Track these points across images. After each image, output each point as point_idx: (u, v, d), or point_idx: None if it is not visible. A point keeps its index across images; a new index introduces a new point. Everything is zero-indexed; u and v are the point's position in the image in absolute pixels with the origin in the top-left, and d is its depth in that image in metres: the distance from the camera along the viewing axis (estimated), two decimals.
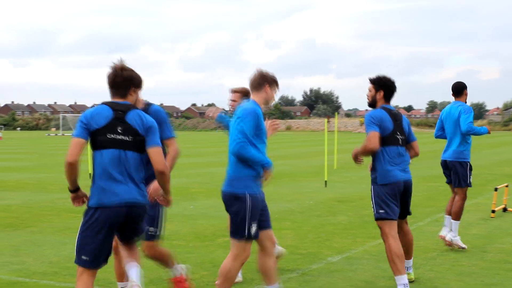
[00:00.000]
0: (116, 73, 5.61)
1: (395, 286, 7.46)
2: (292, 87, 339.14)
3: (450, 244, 9.46)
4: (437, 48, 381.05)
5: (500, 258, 8.90)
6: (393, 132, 7.23)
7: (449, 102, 10.95)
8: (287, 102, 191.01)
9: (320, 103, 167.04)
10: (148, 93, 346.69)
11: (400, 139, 7.29)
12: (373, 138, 7.10)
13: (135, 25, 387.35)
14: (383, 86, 7.47)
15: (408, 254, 7.56)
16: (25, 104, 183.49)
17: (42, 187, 18.61)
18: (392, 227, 7.13)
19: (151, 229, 6.72)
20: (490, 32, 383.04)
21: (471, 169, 9.64)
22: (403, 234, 7.48)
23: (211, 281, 7.75)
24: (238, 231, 6.25)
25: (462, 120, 9.40)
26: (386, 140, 7.19)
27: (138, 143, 5.53)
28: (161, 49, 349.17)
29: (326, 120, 22.91)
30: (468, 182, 9.58)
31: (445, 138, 9.81)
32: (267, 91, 6.51)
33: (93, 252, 5.45)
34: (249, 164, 6.21)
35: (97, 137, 5.45)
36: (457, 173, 9.56)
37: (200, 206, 14.36)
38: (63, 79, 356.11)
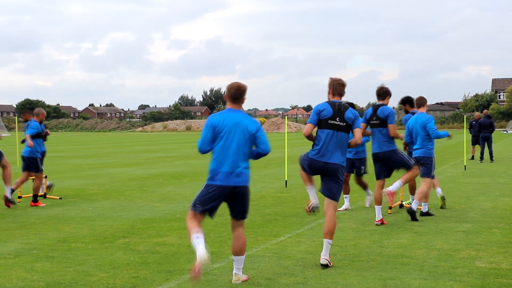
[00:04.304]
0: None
1: (296, 283, 7.52)
2: (195, 87, 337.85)
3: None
4: (340, 50, 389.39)
5: (397, 252, 9.12)
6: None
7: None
8: (188, 102, 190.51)
9: (220, 103, 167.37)
10: (45, 94, 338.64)
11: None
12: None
13: (36, 23, 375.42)
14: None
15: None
16: None
17: None
18: None
19: None
20: (391, 34, 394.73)
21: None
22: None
23: (110, 283, 7.55)
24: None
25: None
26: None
27: None
28: (63, 48, 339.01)
29: None
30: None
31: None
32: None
33: None
34: None
35: None
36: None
37: (99, 208, 14.04)
38: None
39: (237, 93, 7.44)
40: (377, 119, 11.50)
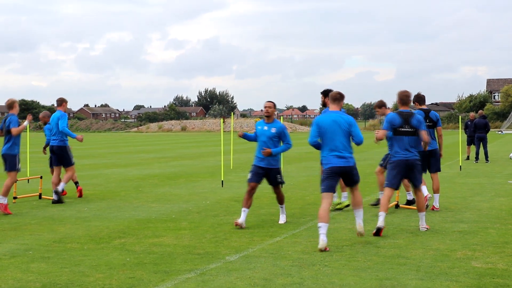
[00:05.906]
0: None
1: (293, 283, 7.52)
2: (191, 87, 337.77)
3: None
4: (337, 50, 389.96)
5: (393, 253, 9.12)
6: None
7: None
8: (182, 102, 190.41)
9: (215, 104, 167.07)
10: (40, 94, 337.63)
11: None
12: None
13: (32, 23, 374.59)
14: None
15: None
16: None
17: None
18: None
19: None
20: (388, 34, 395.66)
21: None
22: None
23: (106, 284, 7.53)
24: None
25: None
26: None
27: None
28: (59, 49, 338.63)
29: (222, 120, 22.97)
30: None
31: None
32: None
33: None
34: None
35: None
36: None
37: (94, 208, 14.02)
38: None
39: (332, 96, 10.08)
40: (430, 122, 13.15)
